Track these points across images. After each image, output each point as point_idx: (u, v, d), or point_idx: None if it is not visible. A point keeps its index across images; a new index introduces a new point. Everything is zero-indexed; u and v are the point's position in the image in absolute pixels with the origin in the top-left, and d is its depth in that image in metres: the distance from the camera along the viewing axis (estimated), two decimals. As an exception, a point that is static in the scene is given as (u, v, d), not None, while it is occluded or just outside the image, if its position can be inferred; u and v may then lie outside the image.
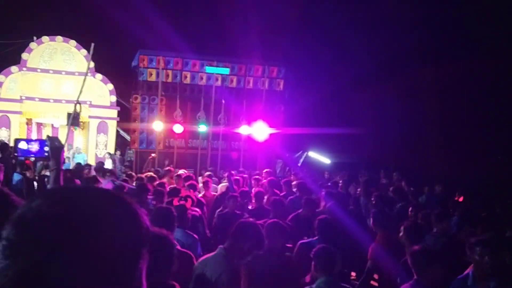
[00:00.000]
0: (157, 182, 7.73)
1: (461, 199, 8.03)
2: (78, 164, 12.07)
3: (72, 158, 15.20)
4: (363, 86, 18.36)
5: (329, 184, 9.31)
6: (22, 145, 2.63)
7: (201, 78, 16.99)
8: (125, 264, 0.79)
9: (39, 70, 15.78)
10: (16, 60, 15.64)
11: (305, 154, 16.61)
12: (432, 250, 3.67)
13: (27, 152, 2.66)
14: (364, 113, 18.85)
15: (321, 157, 16.59)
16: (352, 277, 6.33)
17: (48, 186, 2.55)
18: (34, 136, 16.71)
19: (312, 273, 3.64)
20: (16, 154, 2.64)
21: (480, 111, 15.64)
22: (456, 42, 16.35)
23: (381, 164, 13.74)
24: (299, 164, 16.27)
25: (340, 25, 17.31)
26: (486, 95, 15.58)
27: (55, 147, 2.52)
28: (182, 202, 5.40)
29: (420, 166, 13.58)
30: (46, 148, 2.58)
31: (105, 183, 7.24)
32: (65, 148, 11.97)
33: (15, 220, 0.78)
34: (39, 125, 17.55)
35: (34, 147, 2.63)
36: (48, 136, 2.64)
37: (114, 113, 16.85)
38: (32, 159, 11.83)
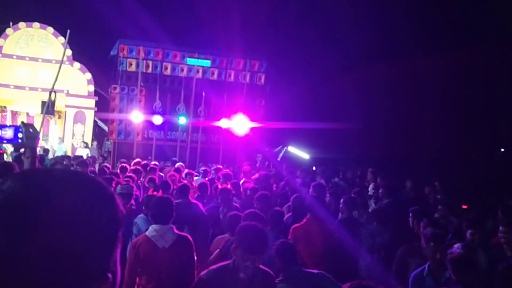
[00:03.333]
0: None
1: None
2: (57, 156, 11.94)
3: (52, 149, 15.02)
4: (343, 81, 18.51)
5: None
6: (-4, 131, 2.56)
7: (182, 70, 16.82)
8: (101, 249, 0.79)
9: (15, 57, 15.40)
10: (-10, 45, 15.23)
11: (284, 149, 16.66)
12: (471, 256, 3.74)
13: (0, 138, 2.58)
14: (344, 108, 19.01)
15: (300, 152, 16.68)
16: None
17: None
18: (8, 124, 16.34)
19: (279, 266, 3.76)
20: (-13, 140, 2.56)
21: (469, 106, 15.86)
22: (445, 35, 16.53)
23: (361, 159, 13.89)
24: (279, 159, 16.31)
25: (323, 19, 17.38)
26: (476, 89, 15.82)
27: (30, 134, 2.46)
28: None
29: (399, 161, 13.77)
30: (20, 135, 2.51)
31: None
32: (41, 138, 11.76)
33: None
34: (14, 113, 17.15)
35: (8, 133, 2.55)
36: (22, 123, 2.57)
37: (92, 102, 16.59)
38: (6, 147, 11.57)
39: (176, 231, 3.94)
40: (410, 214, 5.43)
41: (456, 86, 16.00)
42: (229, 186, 6.82)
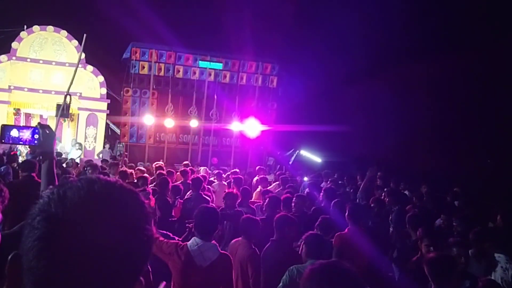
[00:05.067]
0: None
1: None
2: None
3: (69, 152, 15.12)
4: (356, 84, 18.37)
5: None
6: (14, 133, 2.50)
7: (194, 73, 16.84)
8: (142, 252, 0.82)
9: (29, 60, 15.50)
10: (5, 49, 15.33)
11: (296, 152, 16.55)
12: (451, 257, 3.51)
13: (18, 139, 2.53)
14: (357, 111, 18.87)
15: (312, 156, 16.55)
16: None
17: (42, 176, 2.45)
18: (22, 127, 16.43)
19: (302, 257, 3.83)
20: (3, 141, 2.50)
21: (473, 109, 15.72)
22: (449, 39, 16.42)
23: (374, 163, 13.70)
24: (291, 162, 16.21)
25: (334, 22, 17.28)
26: (479, 93, 15.67)
27: (46, 136, 2.40)
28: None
29: (412, 165, 13.60)
30: (37, 136, 2.46)
31: None
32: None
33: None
34: (28, 115, 17.28)
35: (26, 134, 2.50)
36: (39, 124, 2.52)
37: (104, 105, 16.63)
38: (20, 149, 11.63)
39: (218, 249, 3.67)
40: (407, 222, 5.26)
41: (471, 89, 15.81)
42: (235, 190, 6.69)
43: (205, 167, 11.37)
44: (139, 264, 0.81)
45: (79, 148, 15.66)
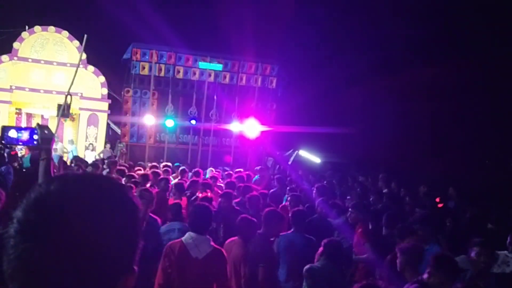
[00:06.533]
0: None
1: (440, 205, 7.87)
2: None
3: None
4: (355, 86, 18.42)
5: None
6: (12, 133, 2.58)
7: (194, 74, 16.93)
8: (128, 245, 0.83)
9: (30, 60, 15.59)
10: (7, 49, 15.43)
11: (295, 153, 16.61)
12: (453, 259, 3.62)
13: (16, 140, 2.61)
14: (356, 113, 18.92)
15: (311, 156, 16.62)
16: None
17: (39, 176, 2.53)
18: (23, 126, 16.48)
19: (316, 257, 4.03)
20: (3, 142, 2.58)
21: (472, 113, 15.77)
22: (449, 43, 16.47)
23: (372, 164, 13.78)
24: (290, 163, 16.28)
25: (334, 24, 17.34)
26: (478, 97, 15.72)
27: (45, 136, 2.49)
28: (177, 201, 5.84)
29: (410, 167, 13.65)
30: (36, 137, 2.54)
31: None
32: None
33: (31, 200, 0.78)
34: (29, 115, 17.36)
35: (24, 135, 2.58)
36: (38, 124, 2.60)
37: (105, 105, 16.72)
38: (20, 148, 11.72)
39: (212, 243, 3.80)
40: (383, 220, 5.35)
41: (471, 91, 15.87)
42: (209, 194, 6.76)
43: (211, 168, 11.34)
44: (117, 261, 0.79)
45: (92, 150, 15.82)
